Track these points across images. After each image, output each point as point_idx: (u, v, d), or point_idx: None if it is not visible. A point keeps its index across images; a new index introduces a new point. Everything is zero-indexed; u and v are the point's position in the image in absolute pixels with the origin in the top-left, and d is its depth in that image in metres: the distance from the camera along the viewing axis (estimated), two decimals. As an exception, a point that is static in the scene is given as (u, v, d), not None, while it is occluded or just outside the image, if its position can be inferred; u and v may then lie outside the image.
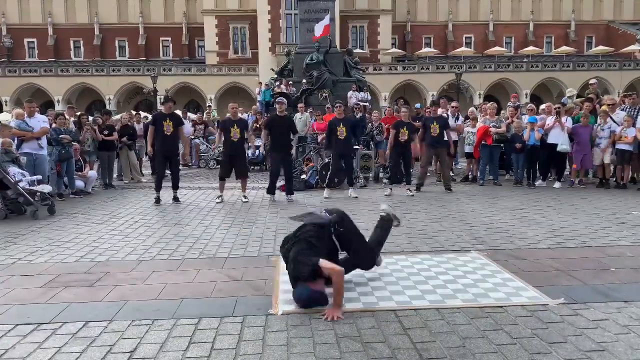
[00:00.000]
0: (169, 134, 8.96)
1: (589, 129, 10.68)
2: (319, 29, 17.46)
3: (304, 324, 3.60)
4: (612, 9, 49.07)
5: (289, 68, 19.84)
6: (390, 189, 9.87)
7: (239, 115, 9.93)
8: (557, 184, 10.68)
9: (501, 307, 3.90)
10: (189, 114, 19.87)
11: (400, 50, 46.61)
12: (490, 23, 48.79)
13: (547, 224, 6.96)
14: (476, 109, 14.21)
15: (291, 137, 9.61)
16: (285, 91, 16.96)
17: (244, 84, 42.41)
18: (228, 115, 9.55)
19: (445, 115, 11.76)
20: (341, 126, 9.59)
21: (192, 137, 16.33)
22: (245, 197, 9.20)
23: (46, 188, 8.32)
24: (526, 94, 41.71)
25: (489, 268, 4.90)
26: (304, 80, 17.68)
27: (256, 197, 9.63)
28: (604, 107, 11.07)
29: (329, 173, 10.18)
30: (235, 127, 9.11)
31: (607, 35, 48.12)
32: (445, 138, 10.47)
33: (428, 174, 11.41)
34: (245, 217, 7.66)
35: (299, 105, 14.80)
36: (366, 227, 6.88)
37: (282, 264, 4.98)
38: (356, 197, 9.41)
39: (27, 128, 9.06)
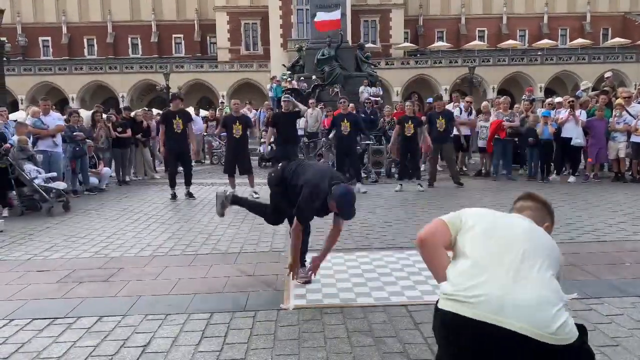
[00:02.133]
0: (178, 131, 9.01)
1: (604, 122, 10.54)
2: (322, 17, 17.38)
3: (315, 319, 3.62)
4: (629, 0, 48.30)
5: (300, 64, 19.83)
6: (401, 184, 9.84)
7: (244, 111, 9.94)
8: (571, 179, 10.56)
9: (513, 302, 3.87)
10: (201, 110, 19.96)
11: (412, 45, 46.32)
12: (503, 16, 48.25)
13: (561, 218, 6.88)
14: (490, 103, 14.09)
15: (297, 131, 9.67)
16: (296, 87, 16.96)
17: (255, 80, 42.49)
18: (230, 111, 9.57)
19: (453, 110, 11.68)
20: (345, 122, 9.64)
21: (205, 133, 16.41)
22: (256, 192, 9.21)
23: (61, 185, 8.43)
24: (540, 88, 41.23)
25: (501, 263, 4.86)
26: (313, 77, 17.65)
27: (268, 192, 9.64)
28: (619, 100, 10.91)
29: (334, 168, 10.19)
30: (237, 123, 9.10)
31: (624, 27, 47.36)
32: (452, 133, 10.41)
33: (440, 169, 11.35)
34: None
35: (310, 100, 14.78)
36: (376, 222, 6.88)
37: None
38: (365, 192, 9.40)
39: (42, 126, 9.18)
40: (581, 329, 1.83)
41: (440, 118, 10.20)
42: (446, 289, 1.90)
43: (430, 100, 16.60)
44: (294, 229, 4.19)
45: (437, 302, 1.94)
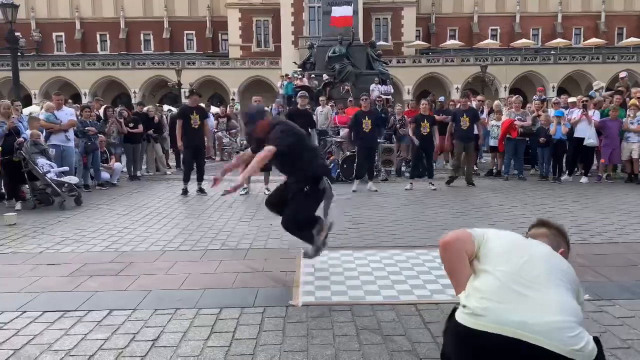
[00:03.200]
0: (196, 127, 9.07)
1: (617, 122, 10.43)
2: (338, 12, 17.38)
3: (324, 316, 3.62)
4: (644, -1, 47.73)
5: (311, 61, 19.80)
6: (411, 183, 9.79)
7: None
8: (583, 179, 10.47)
9: (524, 302, 3.84)
10: (212, 107, 20.02)
11: (424, 43, 46.11)
12: (516, 15, 47.87)
13: (573, 219, 6.83)
14: (501, 102, 14.00)
15: (309, 131, 9.60)
16: (307, 84, 16.94)
17: (266, 77, 42.52)
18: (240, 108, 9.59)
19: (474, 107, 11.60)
20: (366, 119, 9.54)
21: (215, 130, 16.46)
22: (268, 189, 9.22)
23: (73, 179, 8.50)
24: (553, 87, 40.87)
25: (511, 263, 4.83)
26: (325, 76, 17.61)
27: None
28: (633, 100, 10.78)
29: (355, 166, 10.05)
30: None
31: (639, 27, 46.77)
32: (475, 131, 10.33)
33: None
34: (267, 210, 7.68)
35: (321, 98, 14.77)
36: (385, 221, 6.86)
37: (302, 257, 5.01)
38: (376, 191, 9.38)
39: (55, 121, 9.25)
40: (598, 343, 1.87)
41: (465, 116, 10.10)
42: (469, 302, 1.91)
43: (442, 99, 16.53)
44: (262, 155, 4.23)
45: (454, 312, 1.96)
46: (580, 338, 1.79)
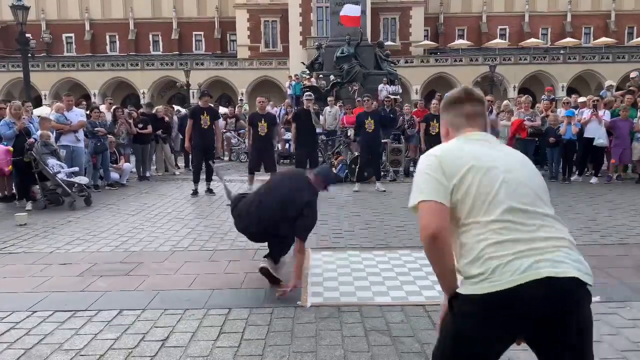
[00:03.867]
0: (206, 127, 9.10)
1: (628, 122, 10.34)
2: (347, 11, 17.39)
3: (332, 316, 3.62)
4: (655, -2, 47.27)
5: (319, 61, 19.79)
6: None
7: (268, 109, 9.99)
8: (594, 180, 10.38)
9: (534, 304, 3.82)
10: (220, 107, 20.09)
11: (432, 43, 45.95)
12: (525, 14, 47.57)
13: (583, 220, 6.78)
14: (511, 102, 13.91)
15: (317, 130, 9.68)
16: (315, 84, 16.95)
17: (275, 77, 42.56)
18: (256, 109, 9.62)
19: None
20: (369, 119, 9.60)
21: (224, 130, 16.52)
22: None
23: (83, 180, 8.55)
24: (562, 87, 40.57)
25: (521, 264, 4.80)
26: (332, 77, 17.60)
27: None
28: (643, 100, 10.70)
29: (357, 167, 10.16)
30: (263, 121, 9.12)
31: (650, 26, 46.38)
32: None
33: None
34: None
35: (329, 98, 14.77)
36: (394, 221, 6.85)
37: (312, 256, 5.02)
38: (384, 191, 9.36)
39: (65, 121, 9.32)
40: None
41: None
42: (476, 269, 1.63)
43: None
44: (300, 249, 4.10)
45: (452, 299, 1.71)
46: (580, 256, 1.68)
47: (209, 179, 9.43)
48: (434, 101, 10.46)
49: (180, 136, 13.12)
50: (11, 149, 8.16)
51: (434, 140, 9.68)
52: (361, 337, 3.28)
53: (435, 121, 9.66)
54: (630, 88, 12.27)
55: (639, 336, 3.25)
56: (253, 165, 9.42)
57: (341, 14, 17.99)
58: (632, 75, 13.56)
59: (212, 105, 10.39)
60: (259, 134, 9.12)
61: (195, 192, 9.19)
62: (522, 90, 38.23)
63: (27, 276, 4.61)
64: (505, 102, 13.89)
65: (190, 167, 10.97)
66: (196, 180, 9.29)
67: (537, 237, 1.67)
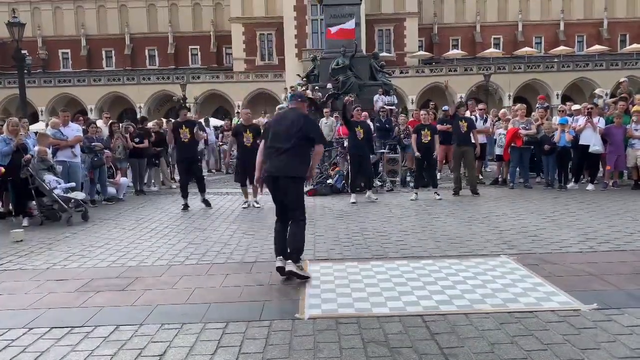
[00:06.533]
0: (186, 140, 9.14)
1: (622, 129, 10.40)
2: (337, 28, 17.56)
3: (330, 329, 3.61)
4: (647, 5, 47.69)
5: (314, 73, 19.89)
6: (416, 193, 9.80)
7: (262, 120, 10.06)
8: (589, 186, 10.42)
9: (531, 312, 3.82)
10: (211, 119, 20.22)
11: (427, 53, 46.24)
12: (519, 23, 47.95)
13: (580, 227, 6.80)
14: (507, 111, 13.99)
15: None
16: (310, 96, 17.00)
17: (271, 90, 42.73)
18: (241, 120, 9.66)
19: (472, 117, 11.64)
20: (359, 128, 9.75)
21: (220, 143, 16.57)
22: (257, 202, 9.14)
23: (80, 195, 8.54)
24: (557, 95, 40.83)
25: (518, 272, 4.81)
26: (329, 85, 17.68)
27: (269, 201, 9.66)
28: (636, 107, 10.75)
29: (350, 177, 10.22)
30: (248, 132, 9.11)
31: (642, 33, 46.73)
32: (473, 140, 10.36)
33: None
34: (271, 223, 7.66)
35: (325, 110, 14.82)
36: (391, 232, 6.85)
37: (310, 268, 5.01)
38: (376, 199, 9.40)
39: (61, 137, 9.33)
40: None
41: (463, 121, 10.20)
42: None
43: (445, 107, 16.54)
44: (318, 151, 5.10)
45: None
46: None
47: (202, 190, 9.40)
48: (422, 112, 10.60)
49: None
50: (2, 169, 8.07)
51: (424, 149, 9.77)
52: (359, 348, 3.27)
53: (426, 130, 9.77)
54: (622, 95, 12.36)
55: (637, 343, 3.25)
56: (239, 178, 9.42)
57: (334, 29, 18.09)
58: (621, 80, 13.67)
59: (200, 118, 10.51)
60: (244, 145, 9.11)
61: (185, 207, 9.09)
62: (518, 98, 38.43)
63: (23, 293, 4.59)
64: (503, 110, 13.99)
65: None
66: (184, 196, 9.22)
67: None
